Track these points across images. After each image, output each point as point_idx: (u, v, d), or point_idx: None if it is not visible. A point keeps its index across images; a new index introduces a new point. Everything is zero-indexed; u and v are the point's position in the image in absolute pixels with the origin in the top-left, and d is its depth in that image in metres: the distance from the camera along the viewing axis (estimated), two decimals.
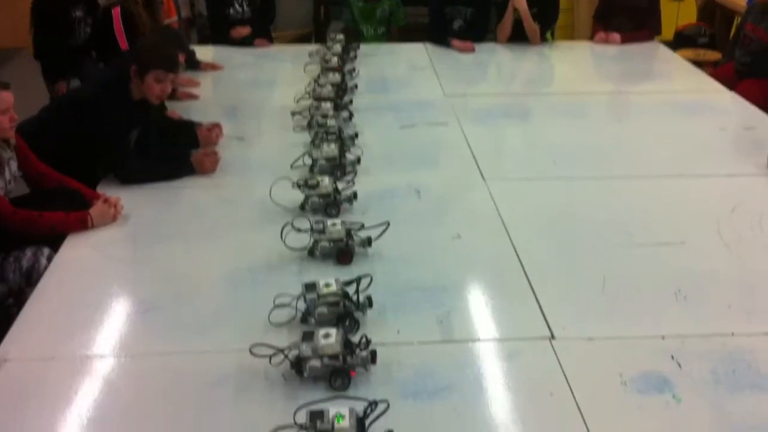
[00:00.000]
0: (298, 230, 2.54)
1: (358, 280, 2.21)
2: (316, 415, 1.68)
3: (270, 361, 1.96)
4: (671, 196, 3.02)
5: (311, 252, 2.53)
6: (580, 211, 2.89)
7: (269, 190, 2.84)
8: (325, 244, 2.51)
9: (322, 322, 2.13)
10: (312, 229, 2.53)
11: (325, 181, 2.82)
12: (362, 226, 2.57)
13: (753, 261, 2.54)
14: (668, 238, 2.67)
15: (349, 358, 1.94)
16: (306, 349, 1.93)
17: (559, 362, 2.04)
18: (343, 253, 2.50)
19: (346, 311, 2.15)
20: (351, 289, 2.18)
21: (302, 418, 1.70)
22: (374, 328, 2.13)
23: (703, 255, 2.57)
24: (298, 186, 2.83)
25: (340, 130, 3.33)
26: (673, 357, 2.04)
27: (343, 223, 2.53)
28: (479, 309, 2.32)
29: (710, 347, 2.09)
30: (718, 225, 2.74)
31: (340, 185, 2.88)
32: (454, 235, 2.71)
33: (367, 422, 1.70)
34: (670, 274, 2.45)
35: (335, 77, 4.01)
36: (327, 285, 2.16)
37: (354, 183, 2.94)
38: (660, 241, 2.65)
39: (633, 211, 2.89)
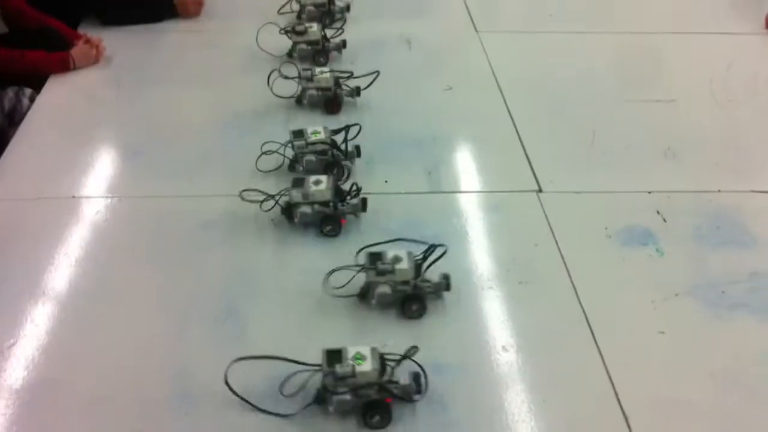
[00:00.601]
0: (286, 77, 2.48)
1: (346, 128, 2.18)
2: (376, 257, 1.69)
3: (261, 207, 1.96)
4: (666, 52, 2.97)
5: (299, 100, 2.49)
6: (573, 66, 2.84)
7: (255, 36, 2.76)
8: (313, 92, 2.46)
9: (310, 170, 2.12)
10: (300, 77, 2.47)
11: (314, 28, 2.73)
12: (351, 75, 2.52)
13: (744, 120, 2.53)
14: (660, 95, 2.64)
15: (339, 206, 1.94)
16: (297, 195, 1.92)
17: (545, 214, 2.04)
18: (331, 101, 2.46)
19: (334, 159, 2.14)
20: (339, 138, 2.16)
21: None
22: (362, 178, 2.12)
23: (694, 113, 2.55)
24: (286, 32, 2.75)
25: None
26: (658, 212, 2.06)
27: (331, 71, 2.47)
28: (468, 161, 2.31)
29: (696, 203, 2.11)
30: (711, 83, 2.71)
31: (329, 33, 2.80)
32: (445, 87, 2.66)
33: (424, 265, 1.71)
34: (660, 131, 2.44)
35: None
36: (315, 132, 2.13)
37: (343, 31, 2.86)
38: (652, 98, 2.62)
39: (626, 67, 2.85)
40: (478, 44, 2.96)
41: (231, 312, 1.71)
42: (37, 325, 1.66)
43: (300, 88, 2.48)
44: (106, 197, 2.08)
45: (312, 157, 2.12)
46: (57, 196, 2.08)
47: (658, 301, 1.77)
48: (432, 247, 1.73)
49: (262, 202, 1.96)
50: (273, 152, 2.17)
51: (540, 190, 2.14)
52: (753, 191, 2.17)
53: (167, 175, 2.18)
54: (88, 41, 2.73)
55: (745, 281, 1.83)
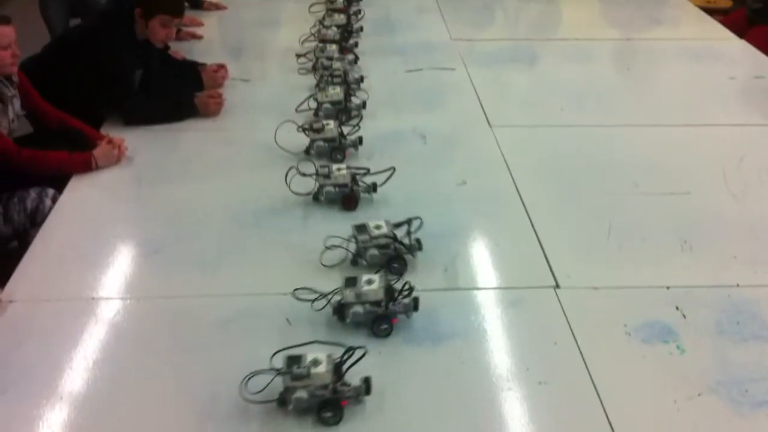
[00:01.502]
0: (303, 174, 2.53)
1: (408, 221, 2.23)
2: (294, 360, 1.67)
3: (312, 305, 1.97)
4: (678, 144, 3.00)
5: (316, 197, 2.52)
6: (587, 159, 2.87)
7: (274, 134, 2.82)
8: (330, 189, 2.49)
9: (374, 265, 2.14)
10: (317, 174, 2.51)
11: (331, 125, 2.79)
12: (368, 171, 2.55)
13: (759, 212, 2.53)
14: (674, 187, 2.66)
15: (390, 305, 1.92)
16: (350, 294, 1.91)
17: (563, 311, 2.04)
18: (348, 198, 2.49)
19: (396, 253, 2.16)
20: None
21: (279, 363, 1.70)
22: None
23: (709, 205, 2.56)
24: (304, 130, 2.81)
25: (345, 73, 3.29)
26: (677, 307, 2.05)
27: (348, 168, 2.51)
28: (484, 256, 2.31)
29: (715, 298, 2.09)
30: (724, 175, 2.73)
31: (346, 129, 2.85)
32: (460, 181, 2.69)
33: (344, 368, 1.69)
34: (675, 223, 2.44)
35: (341, 18, 3.94)
36: (377, 227, 2.16)
37: (359, 127, 2.92)
38: (666, 190, 2.64)
39: (639, 159, 2.87)
40: (492, 138, 3.01)
41: (247, 413, 1.70)
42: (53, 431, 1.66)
43: (317, 184, 2.51)
44: (125, 298, 2.09)
45: (375, 251, 2.15)
46: (76, 298, 2.09)
47: (681, 400, 1.75)
48: (350, 350, 1.70)
49: (313, 301, 1.98)
50: (338, 247, 2.20)
51: (557, 286, 2.14)
52: None
53: (185, 273, 2.20)
54: (110, 141, 2.78)
55: None
